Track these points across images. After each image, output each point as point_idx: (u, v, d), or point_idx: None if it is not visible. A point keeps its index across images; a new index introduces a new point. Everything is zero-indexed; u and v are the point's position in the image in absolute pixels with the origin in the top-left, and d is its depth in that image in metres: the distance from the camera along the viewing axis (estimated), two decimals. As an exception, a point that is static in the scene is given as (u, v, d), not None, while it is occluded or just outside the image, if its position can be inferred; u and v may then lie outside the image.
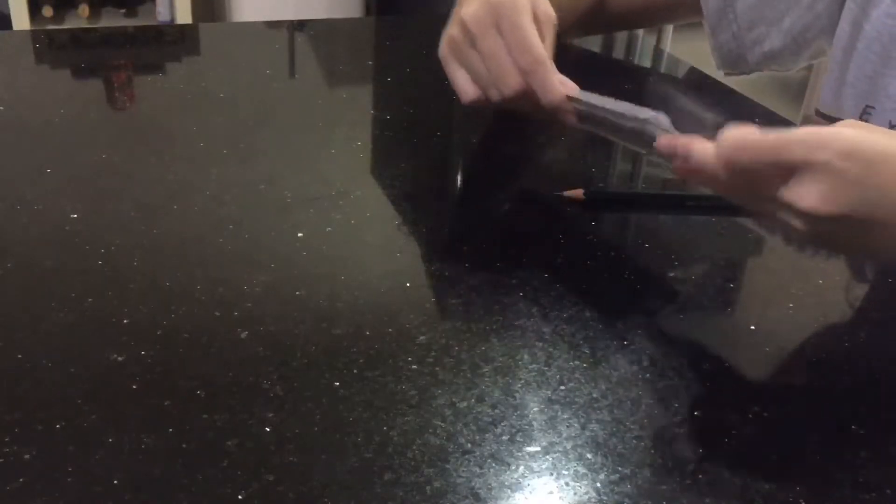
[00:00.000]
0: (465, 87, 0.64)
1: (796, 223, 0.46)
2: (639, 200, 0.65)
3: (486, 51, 0.61)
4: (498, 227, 0.60)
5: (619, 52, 1.01)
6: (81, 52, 0.89)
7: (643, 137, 0.54)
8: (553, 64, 0.60)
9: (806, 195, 0.44)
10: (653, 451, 0.40)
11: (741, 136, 0.45)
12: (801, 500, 0.38)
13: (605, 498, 0.37)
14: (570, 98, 0.59)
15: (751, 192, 0.47)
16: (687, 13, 0.88)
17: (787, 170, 0.45)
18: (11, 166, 0.62)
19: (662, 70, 0.99)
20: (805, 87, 2.62)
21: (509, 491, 0.37)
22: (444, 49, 0.65)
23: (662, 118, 0.52)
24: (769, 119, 0.81)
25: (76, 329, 0.45)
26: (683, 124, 0.52)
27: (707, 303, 0.53)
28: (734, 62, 0.86)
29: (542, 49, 0.60)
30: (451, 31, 0.65)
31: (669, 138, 0.50)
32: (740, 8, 0.83)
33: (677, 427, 0.42)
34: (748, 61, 0.85)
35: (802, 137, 0.45)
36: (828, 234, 0.47)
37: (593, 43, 1.01)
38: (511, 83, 0.61)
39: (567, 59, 0.85)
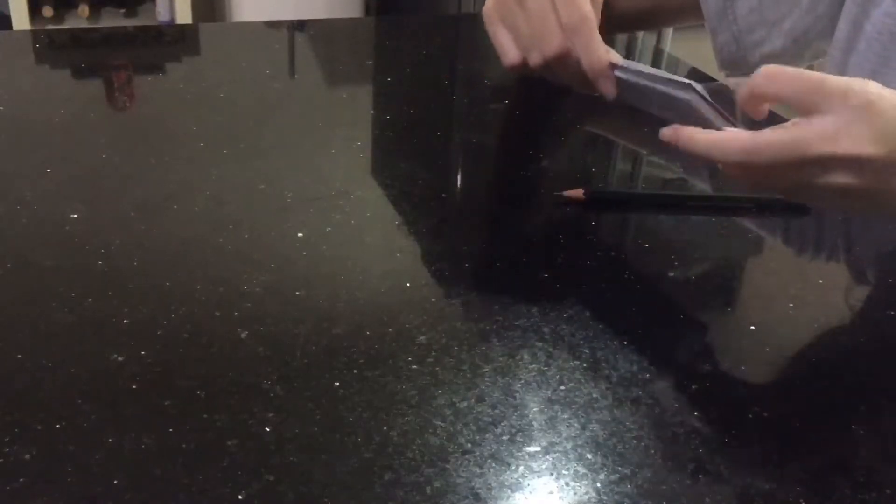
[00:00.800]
0: (508, 48, 0.62)
1: (839, 179, 0.45)
2: (639, 200, 0.65)
3: (532, 7, 0.59)
4: (498, 226, 0.60)
5: (619, 52, 1.01)
6: (81, 52, 0.89)
7: (681, 104, 0.53)
8: (597, 28, 0.59)
9: (852, 140, 0.44)
10: (653, 451, 0.40)
11: (774, 68, 0.46)
12: (801, 500, 0.38)
13: (605, 498, 0.37)
14: (612, 65, 0.57)
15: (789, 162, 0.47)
16: (690, 16, 0.88)
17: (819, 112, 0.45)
18: (11, 166, 0.62)
19: (661, 69, 0.98)
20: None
21: (509, 491, 0.37)
22: (488, 8, 0.63)
23: (699, 86, 0.52)
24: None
25: (76, 329, 0.45)
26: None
27: (707, 303, 0.53)
28: (735, 64, 0.86)
29: (590, 8, 0.58)
30: None
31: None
32: (740, 10, 0.83)
33: (677, 427, 0.42)
34: (749, 63, 0.85)
35: (836, 80, 0.45)
36: (874, 190, 0.46)
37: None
38: (554, 42, 0.58)
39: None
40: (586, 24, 0.58)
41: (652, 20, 0.95)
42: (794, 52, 0.83)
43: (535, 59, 0.60)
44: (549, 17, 0.59)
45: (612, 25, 0.90)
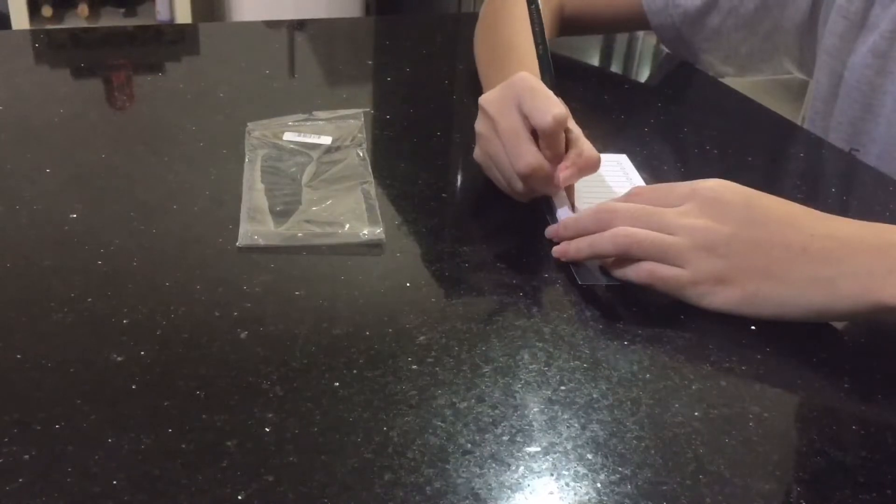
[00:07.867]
0: (497, 180, 0.59)
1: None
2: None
3: (503, 128, 0.57)
4: (498, 226, 0.60)
5: (619, 52, 1.01)
6: (81, 52, 0.89)
7: None
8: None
9: (697, 216, 0.49)
10: (653, 451, 0.40)
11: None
12: (801, 501, 0.38)
13: (605, 498, 0.37)
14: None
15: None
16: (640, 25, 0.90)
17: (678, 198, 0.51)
18: (11, 166, 0.62)
19: (662, 70, 0.98)
20: (805, 87, 2.62)
21: (509, 491, 0.37)
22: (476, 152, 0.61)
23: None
24: (769, 119, 0.81)
25: (76, 329, 0.45)
26: None
27: (707, 303, 0.53)
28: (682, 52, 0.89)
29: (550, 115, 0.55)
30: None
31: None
32: (697, 37, 0.87)
33: (677, 427, 0.42)
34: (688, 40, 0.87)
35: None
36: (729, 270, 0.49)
37: (594, 42, 1.01)
38: (526, 159, 0.55)
39: (569, 62, 0.85)
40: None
41: (607, 29, 0.97)
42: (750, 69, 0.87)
43: (515, 184, 0.57)
44: (520, 133, 0.56)
45: (568, 30, 0.90)
